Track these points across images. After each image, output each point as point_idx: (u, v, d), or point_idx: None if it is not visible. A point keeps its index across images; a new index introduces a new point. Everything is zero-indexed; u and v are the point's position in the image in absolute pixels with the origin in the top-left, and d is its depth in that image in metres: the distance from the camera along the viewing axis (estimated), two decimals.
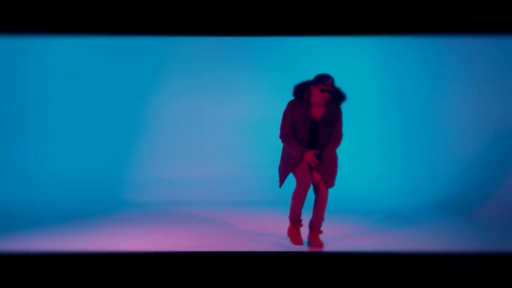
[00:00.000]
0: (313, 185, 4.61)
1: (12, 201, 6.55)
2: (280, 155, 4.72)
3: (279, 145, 7.53)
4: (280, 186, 4.64)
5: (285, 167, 4.59)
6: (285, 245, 4.63)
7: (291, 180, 4.64)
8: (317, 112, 4.53)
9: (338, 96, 4.55)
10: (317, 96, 4.47)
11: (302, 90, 4.52)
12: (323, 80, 4.44)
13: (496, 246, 4.71)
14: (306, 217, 4.70)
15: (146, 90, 7.82)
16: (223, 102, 7.87)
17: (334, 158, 4.64)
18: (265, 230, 5.25)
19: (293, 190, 4.57)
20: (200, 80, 7.87)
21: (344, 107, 7.59)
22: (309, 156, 4.40)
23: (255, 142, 7.85)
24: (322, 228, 4.68)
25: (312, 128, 4.52)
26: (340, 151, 7.46)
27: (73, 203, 6.60)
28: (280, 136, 4.58)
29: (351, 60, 7.86)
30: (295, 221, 4.64)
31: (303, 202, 4.55)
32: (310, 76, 7.21)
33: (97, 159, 7.50)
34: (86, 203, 6.58)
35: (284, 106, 4.59)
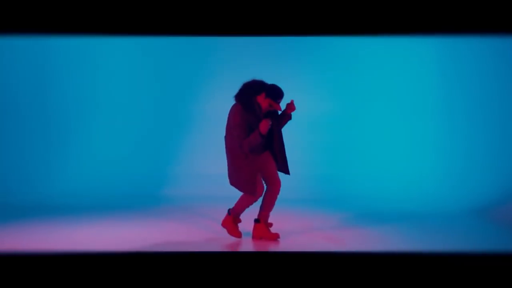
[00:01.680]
0: (266, 179, 4.70)
1: (60, 193, 7.00)
2: (231, 168, 4.65)
3: (322, 143, 7.83)
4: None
5: (250, 179, 4.54)
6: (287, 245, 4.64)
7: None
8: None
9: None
10: (264, 106, 4.50)
11: (248, 100, 4.46)
12: (276, 97, 4.44)
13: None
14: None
15: (191, 88, 8.04)
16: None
17: None
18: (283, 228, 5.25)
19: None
20: (245, 78, 7.91)
21: (402, 109, 7.78)
22: (264, 124, 4.34)
23: (298, 140, 7.85)
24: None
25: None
26: (396, 153, 7.65)
27: (113, 197, 6.93)
28: (240, 144, 4.46)
29: (410, 61, 7.79)
30: (235, 217, 4.78)
31: (248, 207, 4.72)
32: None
33: (143, 156, 7.79)
34: (126, 198, 6.90)
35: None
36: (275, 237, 4.74)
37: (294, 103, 4.72)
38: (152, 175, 7.58)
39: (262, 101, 4.51)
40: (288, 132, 7.75)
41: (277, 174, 4.74)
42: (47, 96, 7.72)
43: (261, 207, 4.77)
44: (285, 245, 4.64)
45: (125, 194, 7.06)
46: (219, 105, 7.78)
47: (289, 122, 7.48)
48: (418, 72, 7.78)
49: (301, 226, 5.46)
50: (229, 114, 4.56)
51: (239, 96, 4.51)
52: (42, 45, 7.51)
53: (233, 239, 4.81)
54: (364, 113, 7.95)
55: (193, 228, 5.29)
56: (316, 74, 8.06)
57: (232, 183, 4.68)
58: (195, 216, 5.90)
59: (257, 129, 4.38)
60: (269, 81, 7.51)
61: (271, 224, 4.92)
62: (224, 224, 4.81)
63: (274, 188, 4.71)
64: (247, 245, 4.65)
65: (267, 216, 4.79)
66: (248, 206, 4.73)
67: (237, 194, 6.99)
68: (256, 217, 4.83)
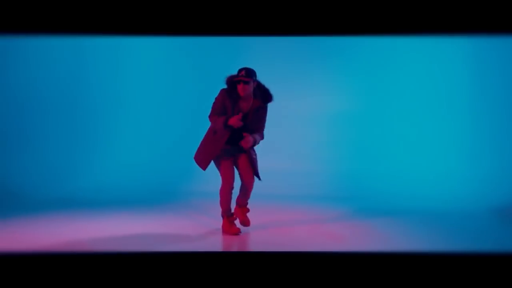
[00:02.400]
0: (239, 174, 5.00)
1: (97, 187, 7.29)
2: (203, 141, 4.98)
3: (356, 140, 7.89)
4: (204, 169, 4.96)
5: (208, 154, 4.87)
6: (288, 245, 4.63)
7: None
8: (245, 105, 4.85)
9: (265, 96, 4.96)
10: (239, 89, 4.77)
11: (232, 84, 4.81)
12: (237, 73, 4.78)
13: None
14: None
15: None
16: (302, 97, 8.07)
17: (254, 151, 5.03)
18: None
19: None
20: (279, 77, 7.88)
21: (428, 108, 7.75)
22: (233, 120, 4.67)
23: (330, 137, 8.01)
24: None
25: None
26: (430, 151, 7.65)
27: (144, 192, 7.18)
28: (209, 116, 4.87)
29: (437, 60, 7.79)
30: (228, 215, 5.06)
31: (230, 198, 4.99)
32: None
33: (178, 152, 7.86)
34: (161, 193, 7.14)
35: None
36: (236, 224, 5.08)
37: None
38: (182, 170, 7.67)
39: (238, 85, 4.80)
40: (315, 129, 7.98)
41: (249, 170, 4.95)
42: (78, 94, 7.98)
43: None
44: (294, 242, 4.72)
45: (154, 190, 7.25)
46: None
47: (315, 119, 7.85)
48: (445, 71, 7.76)
49: (314, 223, 5.53)
50: (216, 96, 4.91)
51: (227, 82, 4.87)
52: (74, 45, 7.75)
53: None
54: (390, 112, 7.98)
55: (198, 224, 5.47)
56: (344, 74, 8.15)
57: (194, 157, 5.03)
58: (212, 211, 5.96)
59: (227, 117, 4.72)
60: (296, 79, 7.97)
61: (248, 209, 5.16)
62: (223, 227, 5.11)
63: (244, 182, 5.00)
64: (246, 245, 4.72)
65: (242, 201, 5.09)
66: (227, 197, 4.96)
67: (269, 190, 7.06)
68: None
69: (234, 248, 4.64)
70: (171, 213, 5.99)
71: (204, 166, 4.93)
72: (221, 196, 4.99)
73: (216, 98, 4.87)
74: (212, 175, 7.70)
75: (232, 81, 4.81)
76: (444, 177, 7.31)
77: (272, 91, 7.88)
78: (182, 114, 8.19)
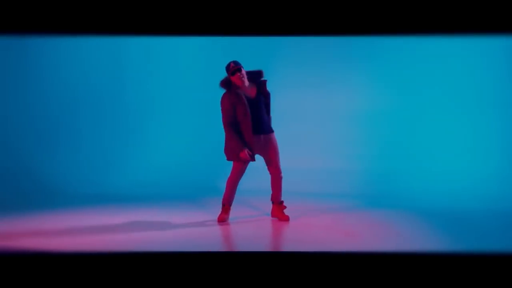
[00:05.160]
0: (266, 164, 5.30)
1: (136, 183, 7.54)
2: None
3: (389, 138, 7.72)
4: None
5: (230, 152, 5.12)
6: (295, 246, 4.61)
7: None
8: (250, 92, 5.15)
9: (254, 76, 5.20)
10: (236, 80, 5.05)
11: (227, 83, 5.10)
12: (227, 68, 5.07)
13: None
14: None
15: None
16: (335, 96, 8.14)
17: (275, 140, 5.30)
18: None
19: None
20: (311, 76, 8.14)
21: (467, 107, 7.47)
22: (244, 155, 5.01)
23: (363, 135, 7.96)
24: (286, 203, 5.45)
25: (251, 105, 5.08)
26: (460, 151, 7.40)
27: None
28: (224, 124, 5.12)
29: (474, 60, 7.62)
30: (225, 204, 5.35)
31: (234, 189, 5.32)
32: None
33: (210, 149, 7.79)
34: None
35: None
36: (286, 219, 5.34)
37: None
38: (214, 167, 7.67)
39: (233, 79, 5.09)
40: (354, 126, 7.91)
41: (276, 160, 5.25)
42: (113, 92, 8.21)
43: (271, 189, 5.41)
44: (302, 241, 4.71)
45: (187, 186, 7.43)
46: (287, 100, 7.98)
47: (356, 117, 7.85)
48: (483, 70, 7.56)
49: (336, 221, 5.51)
50: (220, 102, 5.15)
51: (222, 85, 5.17)
52: (111, 43, 7.94)
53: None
54: (429, 111, 7.84)
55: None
56: (385, 73, 8.07)
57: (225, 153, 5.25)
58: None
59: (239, 150, 5.02)
60: (339, 79, 7.86)
61: (284, 207, 5.42)
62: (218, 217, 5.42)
63: (271, 172, 5.31)
64: (247, 245, 4.72)
65: (278, 197, 5.37)
66: (230, 190, 5.30)
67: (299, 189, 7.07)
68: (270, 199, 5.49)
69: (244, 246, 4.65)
70: (195, 209, 6.10)
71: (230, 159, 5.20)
72: (226, 186, 5.36)
73: (222, 103, 5.11)
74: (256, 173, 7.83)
75: (227, 80, 5.10)
76: (474, 176, 7.10)
77: (305, 90, 8.17)
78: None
